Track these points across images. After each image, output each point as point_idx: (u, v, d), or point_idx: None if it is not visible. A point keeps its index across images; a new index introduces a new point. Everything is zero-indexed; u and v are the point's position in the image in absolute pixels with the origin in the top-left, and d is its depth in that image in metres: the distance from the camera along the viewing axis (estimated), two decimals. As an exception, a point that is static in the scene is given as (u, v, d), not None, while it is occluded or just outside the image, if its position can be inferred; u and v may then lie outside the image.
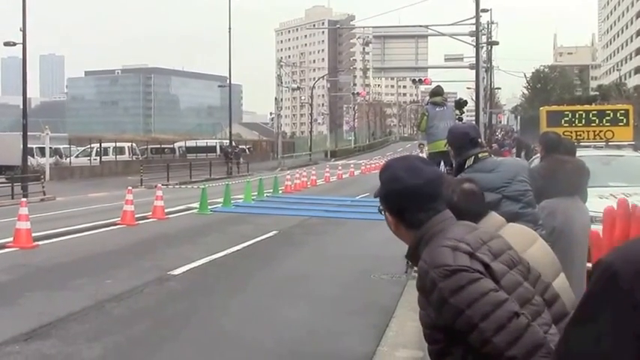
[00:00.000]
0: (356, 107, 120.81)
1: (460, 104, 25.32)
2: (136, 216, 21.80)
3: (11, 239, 16.80)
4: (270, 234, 19.18)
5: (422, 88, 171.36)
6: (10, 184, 31.75)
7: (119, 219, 21.44)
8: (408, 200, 2.77)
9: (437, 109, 13.67)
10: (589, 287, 1.32)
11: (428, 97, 14.79)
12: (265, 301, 11.29)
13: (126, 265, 14.27)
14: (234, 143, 65.70)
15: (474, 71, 42.07)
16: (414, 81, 50.90)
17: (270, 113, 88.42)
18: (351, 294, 11.71)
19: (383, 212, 2.92)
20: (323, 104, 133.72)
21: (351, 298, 11.44)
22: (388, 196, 2.84)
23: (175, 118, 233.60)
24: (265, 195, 31.53)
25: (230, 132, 66.37)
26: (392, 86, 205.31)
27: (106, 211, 24.48)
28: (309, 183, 39.92)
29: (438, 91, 14.24)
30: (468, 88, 78.27)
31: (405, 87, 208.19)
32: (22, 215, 16.99)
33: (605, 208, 1.55)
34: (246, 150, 79.50)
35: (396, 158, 2.96)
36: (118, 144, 60.78)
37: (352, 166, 55.39)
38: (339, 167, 51.85)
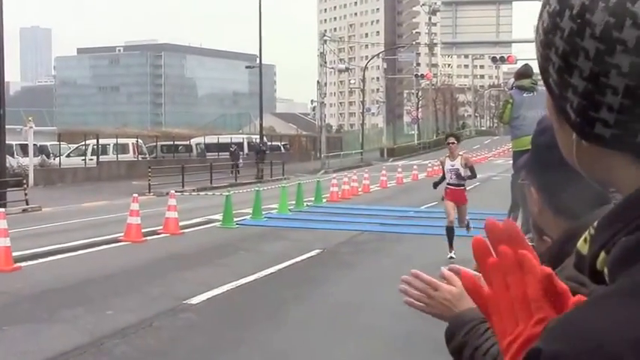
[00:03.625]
0: (420, 93, 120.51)
1: (554, 88, 25.09)
2: (144, 231, 21.97)
3: (-13, 259, 16.98)
4: (312, 253, 19.20)
5: (504, 68, 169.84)
6: (-16, 191, 32.16)
7: (122, 234, 21.61)
8: (566, 178, 2.46)
9: (524, 95, 13.49)
10: None
11: (512, 80, 14.65)
12: (304, 338, 11.30)
13: (131, 293, 14.39)
14: (265, 139, 65.96)
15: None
16: (494, 59, 50.78)
17: (312, 101, 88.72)
18: (412, 330, 11.64)
19: (525, 187, 2.77)
20: (378, 90, 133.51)
21: (413, 335, 11.37)
22: (541, 166, 2.60)
23: (192, 107, 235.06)
24: (305, 204, 31.57)
25: (261, 125, 66.57)
26: (466, 66, 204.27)
27: (106, 225, 24.68)
28: (360, 189, 39.86)
29: (526, 72, 14.07)
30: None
31: (482, 67, 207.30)
32: (0, 230, 17.18)
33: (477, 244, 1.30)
34: (281, 147, 79.72)
35: None
36: (120, 140, 61.26)
37: (415, 167, 55.21)
38: (399, 169, 51.70)
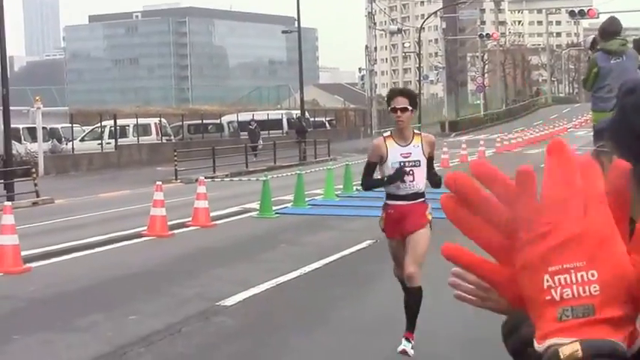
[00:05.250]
0: (486, 56, 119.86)
1: (645, 46, 24.53)
2: (170, 223, 22.09)
3: (-7, 260, 17.15)
4: (363, 245, 19.15)
5: (585, 23, 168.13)
6: (-12, 182, 32.43)
7: (145, 228, 21.74)
8: None
9: (612, 61, 12.30)
10: None
11: (591, 37, 13.91)
12: (355, 343, 11.33)
13: (156, 294, 14.53)
14: (306, 115, 65.89)
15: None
16: (572, 13, 50.32)
17: (360, 69, 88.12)
18: (481, 336, 11.63)
19: (604, 155, 2.61)
20: (437, 53, 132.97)
21: (481, 341, 11.34)
22: (627, 132, 2.29)
23: (222, 80, 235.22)
24: (355, 189, 31.52)
25: (302, 98, 66.36)
26: (539, 22, 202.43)
27: (127, 218, 24.87)
28: (418, 169, 39.74)
29: (613, 28, 12.92)
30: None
31: (559, 23, 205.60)
32: (7, 226, 17.27)
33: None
34: (326, 123, 79.61)
35: None
36: (141, 120, 61.34)
37: (482, 143, 54.89)
38: (463, 145, 51.51)
